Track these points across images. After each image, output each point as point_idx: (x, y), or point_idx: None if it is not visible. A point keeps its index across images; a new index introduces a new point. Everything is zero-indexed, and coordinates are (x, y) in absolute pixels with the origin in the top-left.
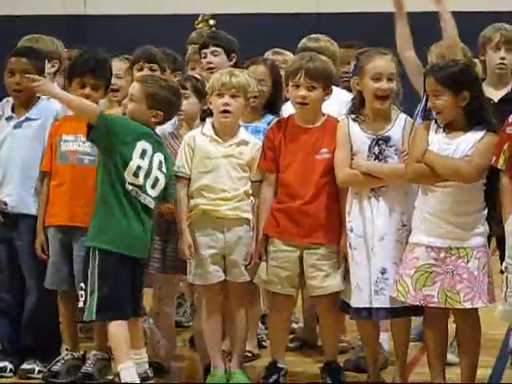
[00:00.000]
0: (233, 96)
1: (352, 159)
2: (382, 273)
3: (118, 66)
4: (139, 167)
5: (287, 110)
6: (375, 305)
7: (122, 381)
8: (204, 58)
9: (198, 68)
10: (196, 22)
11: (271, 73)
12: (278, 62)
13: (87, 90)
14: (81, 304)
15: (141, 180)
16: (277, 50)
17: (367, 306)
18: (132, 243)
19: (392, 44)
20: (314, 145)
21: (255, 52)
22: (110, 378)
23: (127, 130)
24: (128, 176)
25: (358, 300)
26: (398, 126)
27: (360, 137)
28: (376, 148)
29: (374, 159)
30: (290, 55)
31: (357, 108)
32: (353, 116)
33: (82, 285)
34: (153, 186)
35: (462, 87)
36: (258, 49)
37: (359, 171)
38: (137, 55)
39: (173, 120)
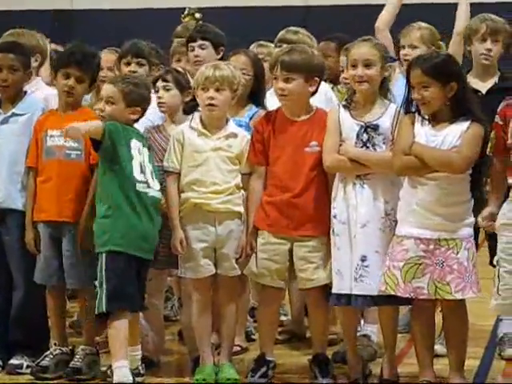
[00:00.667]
0: (217, 89)
1: (340, 145)
2: (363, 260)
3: (107, 57)
4: (141, 164)
5: (272, 100)
6: (354, 292)
7: (115, 378)
8: (191, 51)
9: (183, 61)
10: (182, 16)
11: (252, 63)
12: (262, 55)
13: (71, 81)
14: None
15: (144, 175)
16: (261, 42)
17: (347, 292)
18: (143, 245)
19: None
20: (303, 137)
21: (244, 46)
22: (104, 368)
23: (121, 132)
24: (136, 174)
25: (338, 286)
26: (388, 115)
27: (349, 123)
28: (364, 135)
29: (362, 146)
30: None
31: (350, 96)
32: (343, 103)
33: (96, 283)
34: (152, 178)
35: (450, 78)
36: (245, 42)
37: (347, 157)
38: (125, 49)
39: (161, 114)
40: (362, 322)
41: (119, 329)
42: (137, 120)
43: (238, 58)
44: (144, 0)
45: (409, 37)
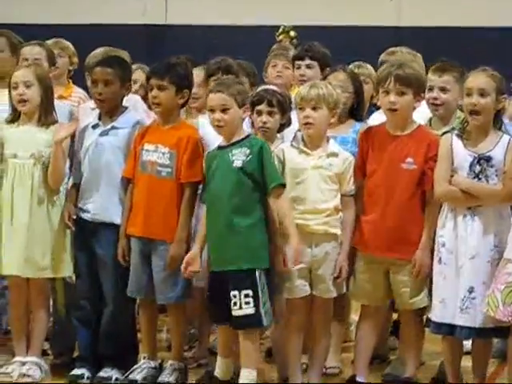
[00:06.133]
0: (313, 108)
1: (452, 176)
2: (470, 291)
3: (199, 74)
4: None
5: (377, 118)
6: (459, 322)
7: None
8: (297, 69)
9: (274, 74)
10: (277, 34)
11: (351, 80)
12: (363, 76)
13: (154, 92)
14: (238, 312)
15: None
16: (360, 63)
17: (449, 321)
18: None
19: (482, 61)
20: (400, 152)
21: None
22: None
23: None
24: None
25: (441, 315)
26: (502, 146)
27: (462, 154)
28: (477, 167)
29: (474, 178)
30: (371, 69)
31: (463, 125)
32: (456, 132)
33: (249, 292)
34: None
35: None
36: (338, 62)
37: (458, 188)
38: (214, 66)
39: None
40: None
41: (256, 344)
42: None
43: (337, 75)
44: (239, 17)
45: None
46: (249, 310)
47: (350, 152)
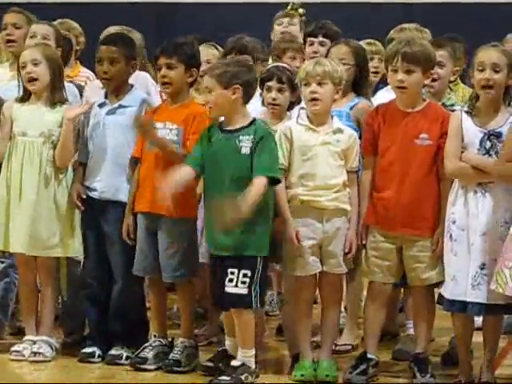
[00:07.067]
0: (319, 83)
1: (462, 152)
2: (482, 268)
3: (205, 52)
4: None
5: (383, 96)
6: (470, 299)
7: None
8: (310, 45)
9: (284, 57)
10: (285, 11)
11: (353, 53)
12: (379, 55)
13: (162, 71)
14: (232, 290)
15: None
16: (369, 40)
17: (462, 298)
18: None
19: (493, 37)
20: (413, 128)
21: None
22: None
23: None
24: None
25: (453, 291)
26: (511, 122)
27: (472, 130)
28: (487, 143)
29: (484, 154)
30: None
31: (472, 101)
32: (466, 109)
33: (248, 272)
34: None
35: None
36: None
37: (469, 165)
38: (229, 46)
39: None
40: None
41: (252, 324)
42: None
43: (339, 48)
44: None
45: (506, 42)
46: (243, 290)
47: None
